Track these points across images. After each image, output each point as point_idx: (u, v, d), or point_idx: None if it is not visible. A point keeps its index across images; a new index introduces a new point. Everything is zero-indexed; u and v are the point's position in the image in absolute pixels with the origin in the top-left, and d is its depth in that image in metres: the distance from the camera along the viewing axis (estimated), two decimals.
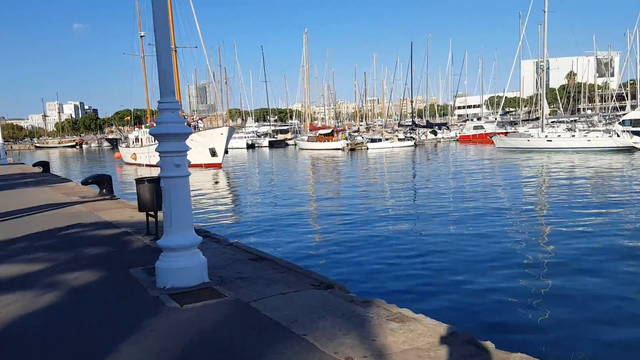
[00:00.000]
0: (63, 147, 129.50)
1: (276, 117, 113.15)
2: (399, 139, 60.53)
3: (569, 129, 41.43)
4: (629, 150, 36.30)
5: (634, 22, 63.07)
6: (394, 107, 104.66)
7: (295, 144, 73.22)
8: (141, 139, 46.95)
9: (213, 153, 40.16)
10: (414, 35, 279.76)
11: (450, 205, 17.53)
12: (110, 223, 8.68)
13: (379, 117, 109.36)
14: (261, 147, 78.21)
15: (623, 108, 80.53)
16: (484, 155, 42.35)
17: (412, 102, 74.12)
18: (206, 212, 17.96)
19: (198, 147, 40.14)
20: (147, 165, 44.71)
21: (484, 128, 63.49)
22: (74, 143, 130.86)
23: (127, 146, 51.22)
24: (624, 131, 36.85)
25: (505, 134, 50.92)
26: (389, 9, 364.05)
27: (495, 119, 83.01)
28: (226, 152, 40.99)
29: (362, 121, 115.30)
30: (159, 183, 7.19)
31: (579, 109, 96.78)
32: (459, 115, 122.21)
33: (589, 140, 38.11)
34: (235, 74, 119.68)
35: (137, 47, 55.23)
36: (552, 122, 62.70)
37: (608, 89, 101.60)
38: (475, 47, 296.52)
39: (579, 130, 39.77)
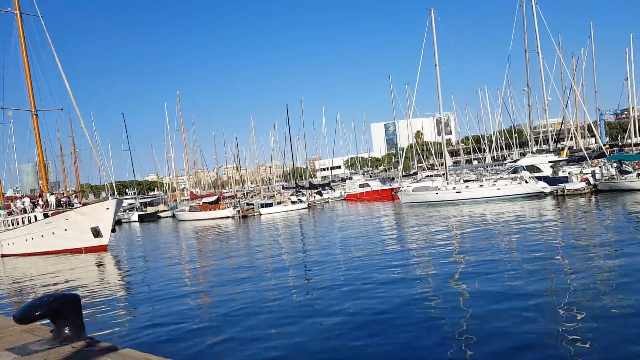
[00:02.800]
0: None
1: (135, 189, 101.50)
2: (292, 202, 55.99)
3: (474, 180, 40.76)
4: (538, 195, 36.12)
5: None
6: (266, 170, 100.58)
7: (174, 215, 64.46)
8: None
9: (97, 233, 31.36)
10: (290, 97, 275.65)
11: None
12: None
13: (248, 183, 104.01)
14: (130, 222, 67.51)
15: (470, 161, 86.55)
16: (392, 211, 39.50)
17: (293, 164, 70.59)
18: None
19: (76, 228, 31.36)
20: (2, 255, 33.91)
21: (370, 186, 62.06)
22: None
23: None
24: (531, 177, 36.78)
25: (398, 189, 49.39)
26: (266, 74, 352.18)
27: (373, 177, 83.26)
28: (113, 230, 32.45)
29: (225, 188, 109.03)
30: None
31: (432, 165, 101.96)
32: (322, 177, 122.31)
33: (499, 189, 37.37)
34: (94, 144, 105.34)
35: None
36: (429, 175, 63.74)
37: (452, 145, 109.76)
38: (348, 109, 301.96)
39: (486, 179, 39.10)
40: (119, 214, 67.63)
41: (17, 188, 60.78)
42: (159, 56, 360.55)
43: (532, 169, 39.80)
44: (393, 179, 73.15)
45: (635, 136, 71.21)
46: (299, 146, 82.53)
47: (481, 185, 38.31)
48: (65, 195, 37.57)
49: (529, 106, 44.90)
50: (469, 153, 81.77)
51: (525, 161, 41.07)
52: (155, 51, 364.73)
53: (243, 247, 27.09)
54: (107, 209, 31.45)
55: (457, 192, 39.03)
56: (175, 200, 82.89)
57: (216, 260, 22.16)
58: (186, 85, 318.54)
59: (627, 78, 50.19)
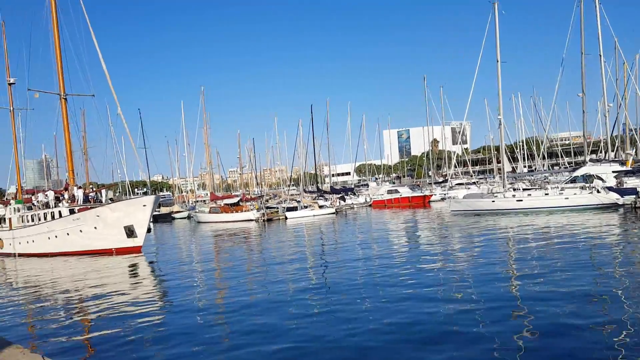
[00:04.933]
0: None
1: (146, 189, 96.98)
2: (320, 207, 52.11)
3: (539, 187, 36.99)
4: (609, 207, 32.43)
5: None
6: (272, 175, 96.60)
7: (190, 217, 60.53)
8: (9, 219, 31.62)
9: (130, 232, 27.49)
10: (315, 97, 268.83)
11: None
12: None
13: (264, 186, 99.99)
14: None
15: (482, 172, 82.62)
16: (442, 221, 35.26)
17: (315, 168, 66.78)
18: None
19: (108, 226, 27.36)
20: (19, 255, 29.83)
21: (399, 192, 58.28)
22: None
23: None
24: (604, 187, 33.10)
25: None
26: (290, 76, 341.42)
27: (392, 182, 79.40)
28: (149, 230, 28.45)
29: (229, 191, 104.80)
30: None
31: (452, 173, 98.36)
32: (335, 183, 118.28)
33: (567, 199, 33.65)
34: (110, 139, 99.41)
35: (3, 99, 39.94)
36: (460, 183, 60.12)
37: (468, 155, 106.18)
38: (373, 112, 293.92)
39: (552, 187, 35.32)
40: None
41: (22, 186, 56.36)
42: (178, 51, 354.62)
43: (593, 179, 36.22)
44: (418, 185, 69.49)
45: None
46: (321, 150, 78.27)
47: (546, 194, 34.55)
48: (94, 190, 33.53)
49: (584, 112, 41.29)
50: (496, 162, 78.16)
51: (585, 170, 37.39)
52: (174, 46, 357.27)
53: (289, 254, 23.10)
54: (145, 205, 27.58)
55: (517, 201, 35.28)
56: (187, 202, 78.81)
57: (273, 268, 18.18)
58: (204, 81, 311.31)
59: None
